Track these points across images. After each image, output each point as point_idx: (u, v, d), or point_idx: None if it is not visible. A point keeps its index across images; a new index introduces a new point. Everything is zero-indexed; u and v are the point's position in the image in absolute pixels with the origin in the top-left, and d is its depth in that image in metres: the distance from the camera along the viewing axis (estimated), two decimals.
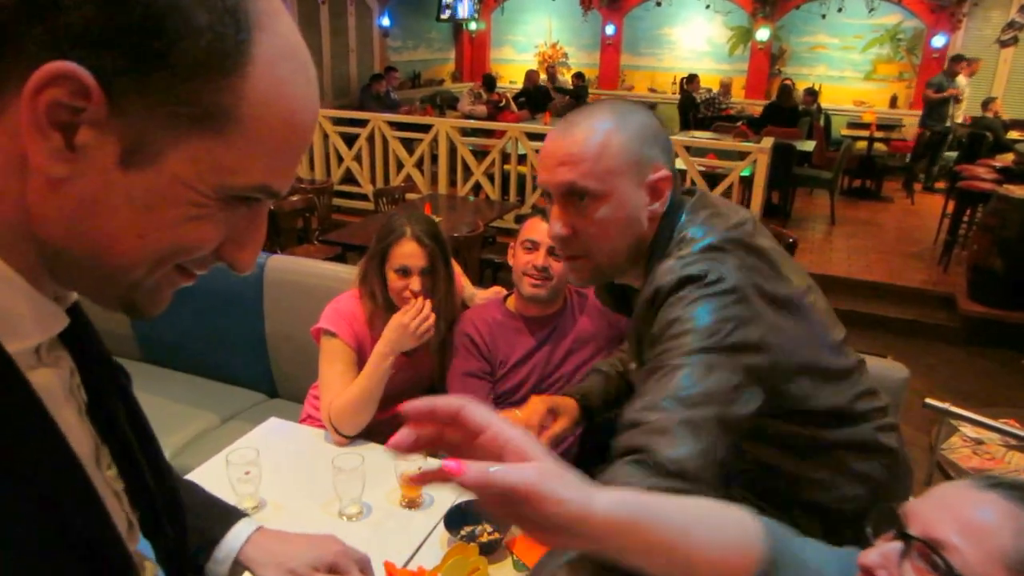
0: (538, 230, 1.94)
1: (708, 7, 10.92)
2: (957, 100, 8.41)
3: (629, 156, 1.11)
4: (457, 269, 2.10)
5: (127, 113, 0.45)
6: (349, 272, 2.41)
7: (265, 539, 0.95)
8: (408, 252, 1.90)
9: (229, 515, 0.96)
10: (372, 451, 1.78)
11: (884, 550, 0.73)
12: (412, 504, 1.61)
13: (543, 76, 11.32)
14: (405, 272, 1.90)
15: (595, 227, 1.12)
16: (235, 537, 0.93)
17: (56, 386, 0.54)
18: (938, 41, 9.92)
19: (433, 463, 1.84)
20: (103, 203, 0.46)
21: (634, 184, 1.12)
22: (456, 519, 1.51)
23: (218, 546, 0.93)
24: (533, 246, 1.93)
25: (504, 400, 1.99)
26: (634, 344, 1.23)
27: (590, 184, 1.09)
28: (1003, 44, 9.38)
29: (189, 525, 0.77)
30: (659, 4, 10.87)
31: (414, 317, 1.84)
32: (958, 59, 8.46)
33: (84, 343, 0.59)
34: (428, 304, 1.87)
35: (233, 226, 0.52)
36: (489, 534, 1.49)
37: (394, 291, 1.92)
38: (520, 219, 2.17)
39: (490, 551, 1.44)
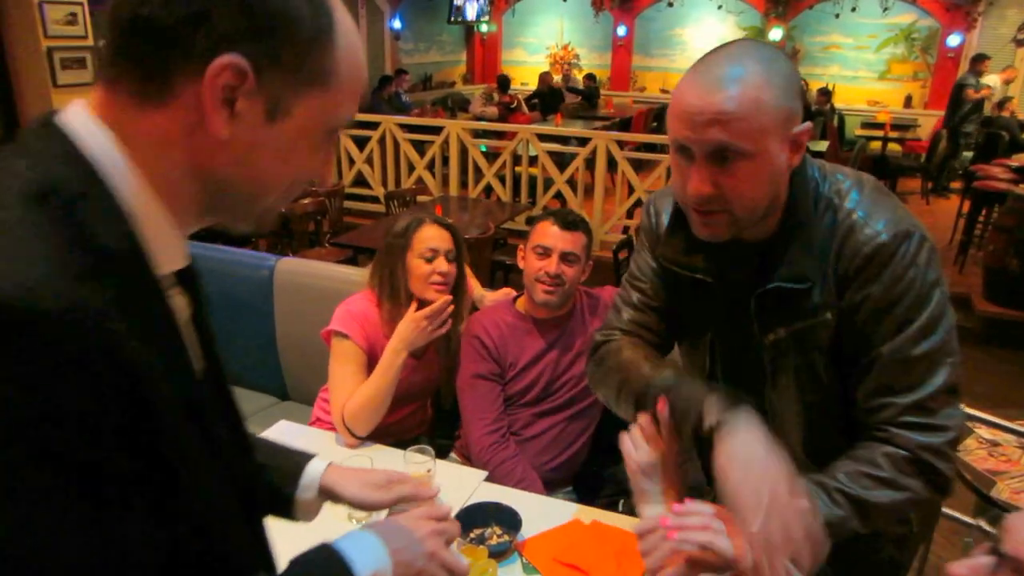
0: (550, 235, 1.92)
1: (720, 7, 10.87)
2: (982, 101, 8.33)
3: (779, 112, 1.04)
4: (467, 270, 2.10)
5: (267, 83, 0.62)
6: (360, 274, 2.41)
7: (339, 468, 1.11)
8: (433, 235, 1.93)
9: (304, 454, 1.11)
10: (381, 453, 1.78)
11: (973, 563, 0.71)
12: None
13: (556, 78, 11.30)
14: (432, 256, 1.91)
15: (740, 184, 1.06)
16: (315, 467, 1.08)
17: (179, 314, 0.68)
18: (953, 40, 9.82)
19: (442, 464, 1.80)
20: (257, 149, 0.65)
21: (780, 140, 1.05)
22: (465, 522, 1.50)
23: (302, 476, 1.07)
24: (545, 252, 1.92)
25: (514, 403, 1.98)
26: (757, 313, 1.17)
27: (743, 145, 1.02)
28: (1019, 43, 9.27)
29: (274, 466, 1.04)
30: (671, 5, 10.83)
31: (428, 315, 1.85)
32: (980, 58, 8.36)
33: (195, 285, 0.73)
34: (450, 307, 1.88)
35: (326, 152, 0.72)
36: (499, 537, 1.49)
37: (420, 278, 1.91)
38: (531, 221, 2.17)
39: (500, 553, 1.44)
